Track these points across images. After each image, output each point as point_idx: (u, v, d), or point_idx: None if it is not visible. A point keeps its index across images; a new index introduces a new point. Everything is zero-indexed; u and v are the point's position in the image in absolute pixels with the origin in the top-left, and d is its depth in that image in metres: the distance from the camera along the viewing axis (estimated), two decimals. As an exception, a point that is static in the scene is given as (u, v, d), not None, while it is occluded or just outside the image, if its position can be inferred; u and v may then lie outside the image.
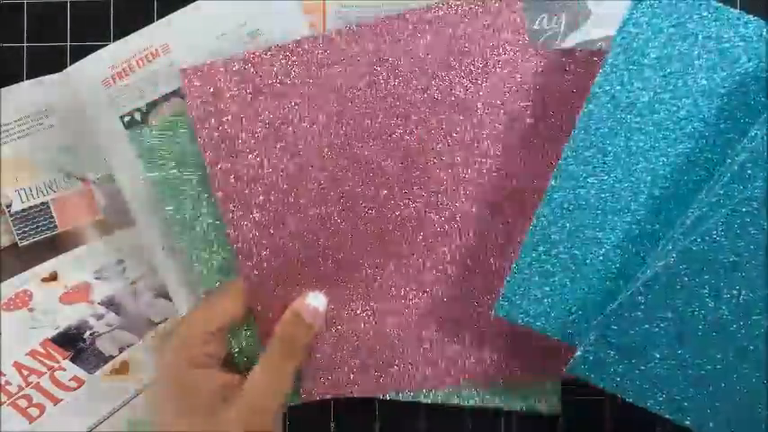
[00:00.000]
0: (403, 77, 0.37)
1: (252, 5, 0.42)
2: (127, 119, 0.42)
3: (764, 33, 0.33)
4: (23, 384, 0.41)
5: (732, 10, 0.33)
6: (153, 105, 0.42)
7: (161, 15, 0.42)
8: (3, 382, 0.41)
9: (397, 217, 0.37)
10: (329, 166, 0.37)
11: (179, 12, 0.42)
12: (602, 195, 0.34)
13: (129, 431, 0.42)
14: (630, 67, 0.33)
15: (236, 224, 0.37)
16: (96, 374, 0.42)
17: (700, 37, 0.33)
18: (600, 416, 0.42)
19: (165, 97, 0.42)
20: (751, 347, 0.32)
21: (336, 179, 0.37)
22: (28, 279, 0.43)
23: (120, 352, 0.42)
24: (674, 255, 0.31)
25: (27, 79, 0.43)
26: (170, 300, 0.42)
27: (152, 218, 0.42)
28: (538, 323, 0.34)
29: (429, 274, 0.37)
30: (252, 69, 0.37)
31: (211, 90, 0.37)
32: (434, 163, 0.37)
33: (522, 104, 0.36)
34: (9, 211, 0.42)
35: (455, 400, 0.37)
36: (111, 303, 0.43)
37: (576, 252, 0.33)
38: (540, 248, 0.34)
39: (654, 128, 0.33)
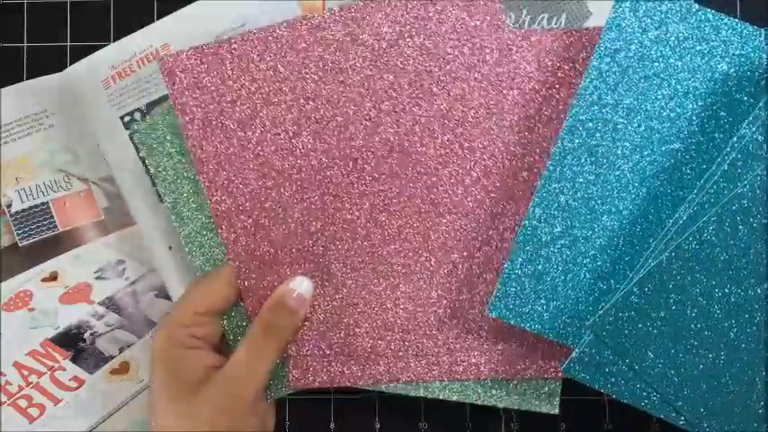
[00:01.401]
0: (385, 65, 0.36)
1: (251, 5, 0.42)
2: (127, 119, 0.43)
3: (744, 34, 0.34)
4: (23, 384, 0.42)
5: (712, 11, 0.35)
6: (153, 105, 0.43)
7: (161, 15, 0.43)
8: (3, 383, 0.41)
9: (385, 204, 0.37)
10: (312, 150, 0.37)
11: (179, 12, 0.43)
12: (591, 195, 0.34)
13: (130, 431, 0.42)
14: (614, 68, 0.35)
15: (222, 210, 0.37)
16: (96, 374, 0.42)
17: (681, 39, 0.35)
18: (600, 416, 0.42)
19: (165, 97, 0.43)
20: (743, 346, 0.32)
21: (321, 162, 0.37)
22: (28, 279, 0.43)
23: (120, 352, 0.43)
24: (667, 254, 0.32)
25: (27, 79, 0.43)
26: (170, 300, 0.43)
27: (153, 217, 0.42)
28: (531, 324, 0.34)
29: (422, 263, 0.37)
30: (230, 54, 0.37)
31: (192, 77, 0.37)
32: (424, 149, 0.37)
33: (517, 92, 0.37)
34: (9, 211, 0.43)
35: (454, 397, 0.38)
36: (111, 303, 0.43)
37: (567, 252, 0.34)
38: (531, 249, 0.34)
39: (640, 128, 0.35)
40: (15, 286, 0.43)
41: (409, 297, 0.37)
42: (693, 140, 0.34)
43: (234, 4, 0.42)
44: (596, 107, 0.34)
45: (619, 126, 0.34)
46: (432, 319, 0.37)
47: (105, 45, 0.43)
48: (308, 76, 0.37)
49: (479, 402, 0.37)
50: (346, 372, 0.37)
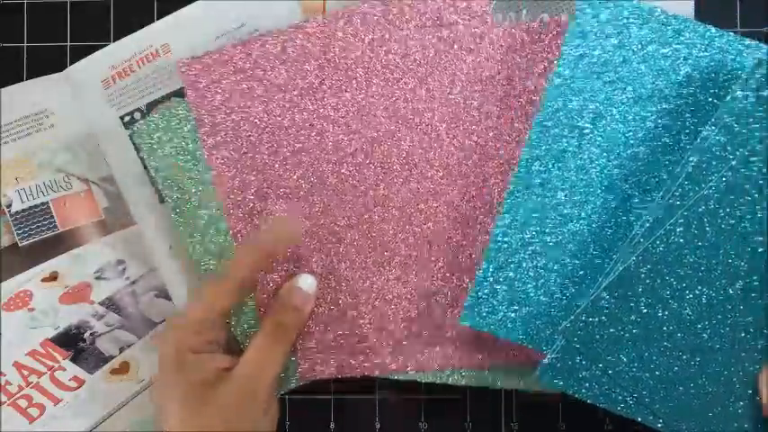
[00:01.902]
0: (366, 70, 0.38)
1: (252, 5, 0.42)
2: (127, 119, 0.43)
3: (707, 36, 0.35)
4: (23, 384, 0.42)
5: (674, 15, 0.35)
6: (153, 105, 0.43)
7: (161, 15, 0.43)
8: (3, 382, 0.42)
9: (380, 198, 0.38)
10: (309, 150, 0.38)
11: (179, 12, 0.43)
12: (559, 201, 0.35)
13: (130, 431, 0.42)
14: (579, 74, 0.35)
15: (233, 206, 0.38)
16: (96, 374, 0.42)
17: (644, 43, 0.35)
18: (599, 416, 0.42)
19: (166, 97, 0.43)
20: (717, 347, 0.32)
21: (318, 163, 0.38)
22: (28, 279, 0.43)
23: (121, 352, 0.43)
24: (634, 258, 0.32)
25: (27, 79, 0.43)
26: (170, 300, 0.43)
27: (153, 217, 0.42)
28: (504, 331, 0.34)
29: (422, 253, 0.38)
30: (245, 58, 0.38)
31: (208, 80, 0.39)
32: (403, 143, 0.38)
33: (481, 85, 0.38)
34: (9, 211, 0.43)
35: (462, 381, 0.38)
36: (111, 303, 0.43)
37: (538, 258, 0.35)
38: (501, 256, 0.35)
39: (606, 133, 0.35)
40: (15, 286, 0.43)
41: (413, 287, 0.38)
42: (659, 143, 0.35)
43: (234, 4, 0.43)
44: (562, 113, 0.35)
45: (585, 131, 0.35)
46: (435, 308, 0.38)
47: (105, 45, 0.43)
48: (298, 83, 0.38)
49: (488, 385, 0.38)
50: (353, 362, 0.38)
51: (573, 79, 0.35)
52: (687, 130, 0.34)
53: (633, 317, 0.33)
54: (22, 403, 0.42)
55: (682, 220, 0.32)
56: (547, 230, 0.35)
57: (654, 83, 0.35)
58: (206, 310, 0.35)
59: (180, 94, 0.43)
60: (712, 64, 0.34)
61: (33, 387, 0.42)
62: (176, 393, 0.34)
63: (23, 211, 0.44)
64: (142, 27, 0.43)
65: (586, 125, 0.35)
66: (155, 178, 0.39)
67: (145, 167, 0.43)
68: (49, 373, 0.43)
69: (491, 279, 0.35)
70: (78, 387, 0.43)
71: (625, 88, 0.35)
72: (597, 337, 0.33)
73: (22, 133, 0.44)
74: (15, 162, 0.44)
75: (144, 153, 0.39)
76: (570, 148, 0.35)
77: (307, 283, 0.37)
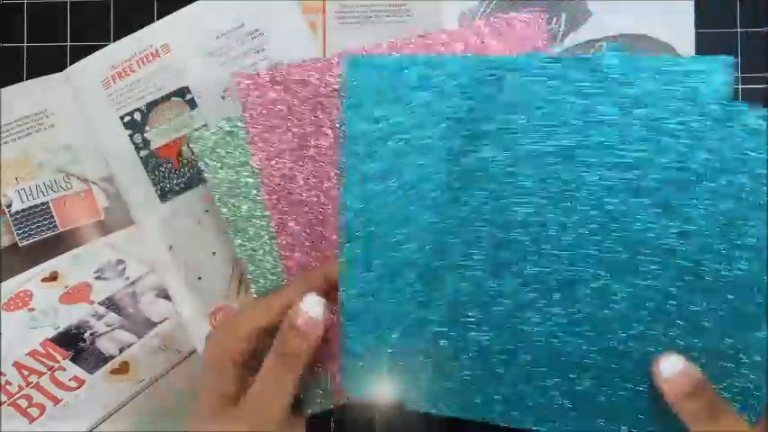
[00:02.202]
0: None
1: (251, 5, 0.42)
2: (127, 119, 0.43)
3: (472, 69, 0.34)
4: (23, 384, 0.42)
5: (438, 58, 0.34)
6: (153, 105, 0.43)
7: (161, 15, 0.43)
8: (3, 382, 0.42)
9: None
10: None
11: (179, 12, 0.43)
12: (377, 271, 0.35)
13: (130, 431, 0.42)
14: (363, 137, 0.35)
15: (280, 220, 0.38)
16: (96, 374, 0.42)
17: (411, 88, 0.34)
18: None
19: (166, 97, 0.43)
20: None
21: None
22: (28, 279, 0.43)
23: (120, 352, 0.43)
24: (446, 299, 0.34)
25: (27, 79, 0.43)
26: (170, 300, 0.43)
27: (153, 217, 0.42)
28: (374, 394, 0.36)
29: None
30: (293, 78, 0.39)
31: (260, 96, 0.39)
32: None
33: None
34: (9, 211, 0.43)
35: None
36: (111, 303, 0.43)
37: (383, 321, 0.35)
38: (355, 325, 0.35)
39: (403, 190, 0.35)
40: (15, 286, 0.43)
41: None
42: (449, 195, 0.34)
43: (234, 4, 0.43)
44: (360, 179, 0.35)
45: (388, 190, 0.35)
46: None
47: (105, 45, 0.43)
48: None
49: None
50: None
51: (359, 144, 0.35)
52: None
53: (473, 352, 0.34)
54: (22, 403, 0.42)
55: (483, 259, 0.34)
56: (391, 276, 0.35)
57: (432, 124, 0.34)
58: (268, 318, 0.35)
59: (179, 94, 0.43)
60: (476, 95, 0.34)
61: (33, 387, 0.42)
62: (207, 397, 0.34)
63: (23, 211, 0.44)
64: (142, 27, 0.43)
65: (387, 183, 0.34)
66: (209, 187, 0.39)
67: (145, 168, 0.43)
68: (49, 373, 0.43)
69: (353, 347, 0.35)
70: (78, 387, 0.43)
71: (408, 142, 0.34)
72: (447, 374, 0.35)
73: (22, 133, 0.44)
74: (15, 162, 0.44)
75: (200, 163, 0.39)
76: (380, 213, 0.35)
77: (315, 306, 0.34)
